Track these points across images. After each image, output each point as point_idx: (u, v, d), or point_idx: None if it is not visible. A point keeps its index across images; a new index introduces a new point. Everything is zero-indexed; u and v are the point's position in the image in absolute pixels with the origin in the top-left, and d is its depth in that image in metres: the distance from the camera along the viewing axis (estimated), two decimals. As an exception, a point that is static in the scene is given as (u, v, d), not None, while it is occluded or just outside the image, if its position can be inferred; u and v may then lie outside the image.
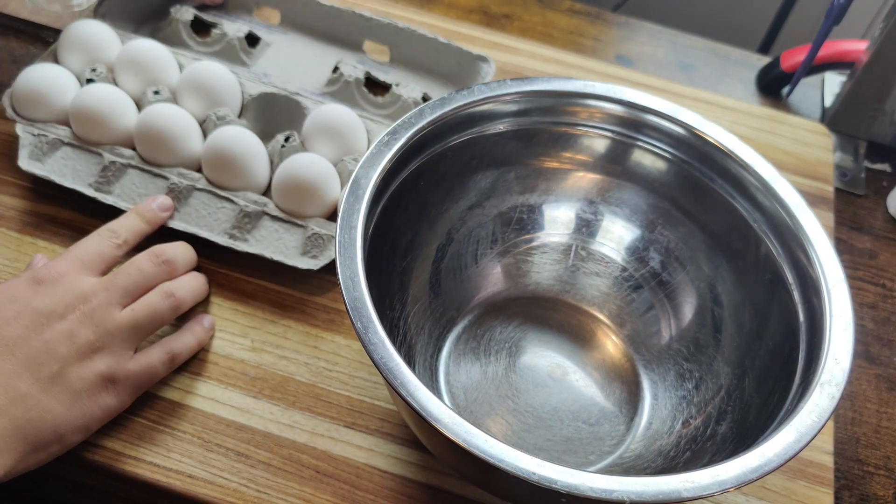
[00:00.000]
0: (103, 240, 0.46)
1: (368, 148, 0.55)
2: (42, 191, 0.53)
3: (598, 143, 0.49)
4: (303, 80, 0.61)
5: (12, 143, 0.54)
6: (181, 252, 0.48)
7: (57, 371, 0.40)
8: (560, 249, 0.52)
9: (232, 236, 0.50)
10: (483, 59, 0.60)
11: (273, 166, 0.53)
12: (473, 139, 0.47)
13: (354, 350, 0.48)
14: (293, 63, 0.62)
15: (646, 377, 0.48)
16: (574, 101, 0.47)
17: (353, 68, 0.59)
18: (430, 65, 0.62)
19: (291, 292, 0.50)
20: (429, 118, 0.44)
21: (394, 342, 0.35)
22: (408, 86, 0.58)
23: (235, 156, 0.51)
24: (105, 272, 0.46)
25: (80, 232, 0.51)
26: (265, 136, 0.53)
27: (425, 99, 0.59)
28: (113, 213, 0.51)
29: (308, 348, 0.48)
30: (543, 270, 0.52)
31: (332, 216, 0.52)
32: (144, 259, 0.46)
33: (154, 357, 0.44)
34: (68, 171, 0.52)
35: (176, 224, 0.50)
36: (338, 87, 0.59)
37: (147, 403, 0.45)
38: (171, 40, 0.61)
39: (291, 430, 0.45)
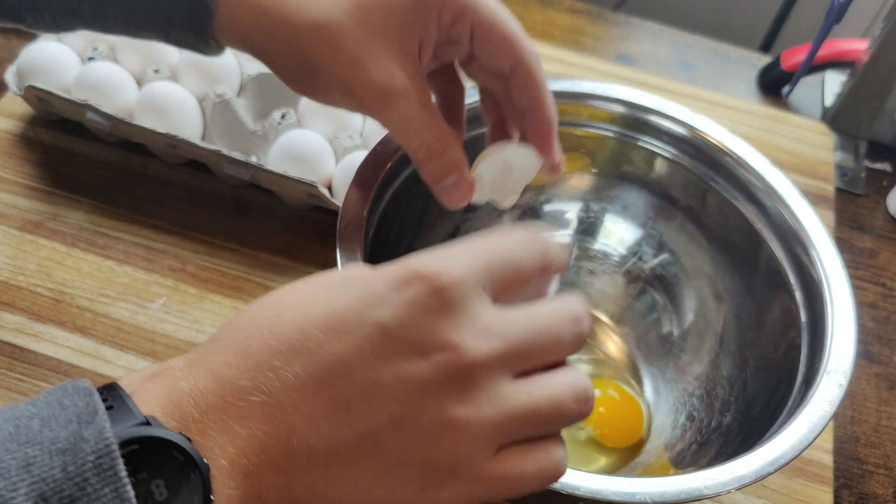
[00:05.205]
0: None
1: (362, 126, 0.55)
2: (42, 188, 0.53)
3: (599, 143, 0.49)
4: None
5: (11, 140, 0.54)
6: None
7: None
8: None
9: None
10: None
11: (269, 143, 0.54)
12: (474, 138, 0.47)
13: (355, 349, 0.48)
14: None
15: (647, 373, 0.48)
16: (575, 100, 0.47)
17: None
18: None
19: (292, 291, 0.50)
20: (430, 117, 0.44)
21: (395, 341, 0.35)
22: None
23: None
24: None
25: (80, 230, 0.51)
26: (263, 115, 0.54)
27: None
28: (121, 210, 0.50)
29: (309, 347, 0.48)
30: (544, 269, 0.52)
31: None
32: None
33: None
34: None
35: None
36: None
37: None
38: None
39: (292, 428, 0.45)
